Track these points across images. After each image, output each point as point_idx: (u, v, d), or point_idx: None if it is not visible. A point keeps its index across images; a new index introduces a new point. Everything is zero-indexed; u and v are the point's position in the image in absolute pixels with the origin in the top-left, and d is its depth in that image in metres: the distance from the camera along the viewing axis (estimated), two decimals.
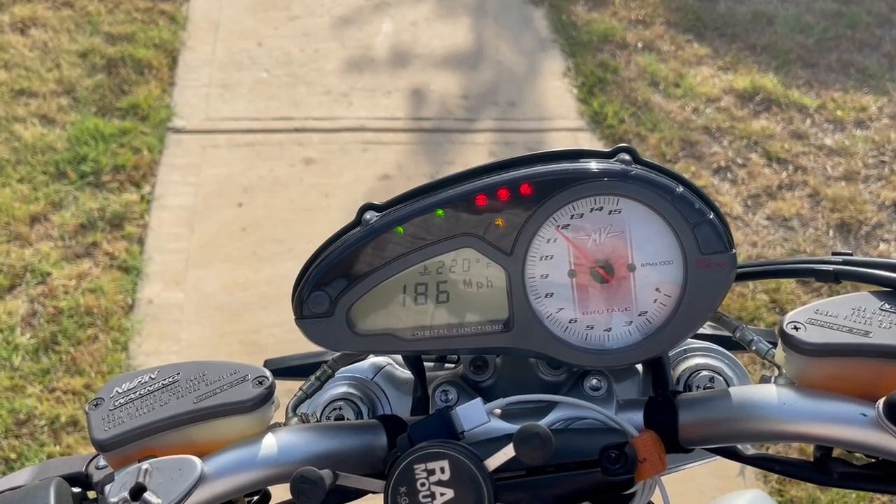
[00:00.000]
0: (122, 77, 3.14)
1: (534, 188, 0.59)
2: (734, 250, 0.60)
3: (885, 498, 1.98)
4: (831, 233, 2.69)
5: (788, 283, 2.45)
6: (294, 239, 2.59)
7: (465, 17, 3.68)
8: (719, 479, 1.95)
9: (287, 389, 0.72)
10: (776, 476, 1.99)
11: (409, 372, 0.72)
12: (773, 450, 1.96)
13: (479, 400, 0.58)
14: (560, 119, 3.14)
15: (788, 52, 3.45)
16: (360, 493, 0.60)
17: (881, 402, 0.53)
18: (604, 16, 3.65)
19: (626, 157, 0.61)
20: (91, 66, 3.18)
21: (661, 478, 0.63)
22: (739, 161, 2.95)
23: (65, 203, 2.62)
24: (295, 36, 3.51)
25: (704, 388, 0.69)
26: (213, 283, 2.45)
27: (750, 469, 1.98)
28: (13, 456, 1.95)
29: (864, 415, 0.54)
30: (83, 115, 2.94)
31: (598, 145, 2.95)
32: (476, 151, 2.94)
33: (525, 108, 3.19)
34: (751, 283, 2.44)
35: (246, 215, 2.68)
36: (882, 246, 2.65)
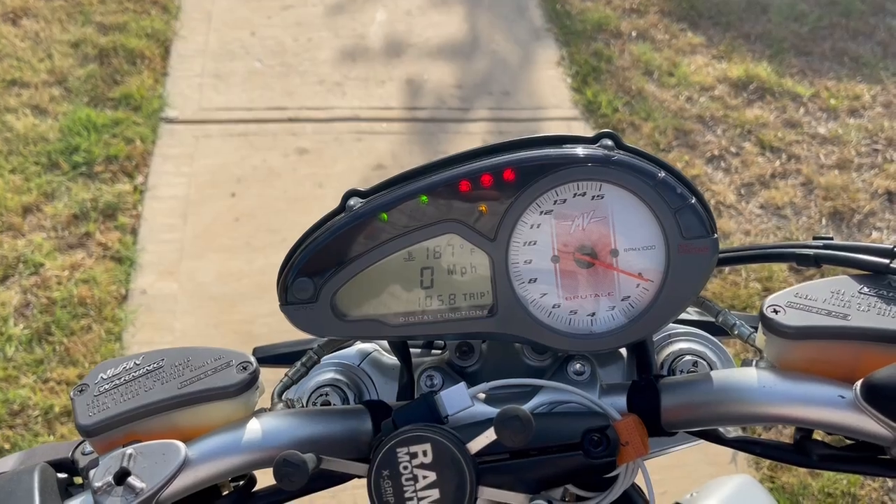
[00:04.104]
0: (114, 67, 3.12)
1: (517, 174, 0.59)
2: (716, 235, 0.60)
3: (877, 483, 1.99)
4: (824, 221, 2.69)
5: (781, 271, 2.46)
6: (288, 229, 2.59)
7: (460, 7, 3.67)
8: (711, 466, 1.96)
9: (278, 378, 0.73)
10: (768, 462, 2.00)
11: (395, 358, 0.72)
12: (769, 434, 1.97)
13: (462, 384, 0.59)
14: (554, 108, 3.14)
15: (782, 41, 3.44)
16: (345, 478, 0.61)
17: (858, 383, 0.53)
18: (598, 4, 3.64)
19: (609, 142, 0.61)
20: (83, 56, 3.16)
21: (645, 461, 0.63)
22: (733, 150, 2.95)
23: (57, 194, 2.61)
24: (288, 25, 3.50)
25: (688, 373, 0.69)
26: (206, 274, 2.45)
27: (742, 455, 2.00)
28: (7, 446, 1.96)
29: (842, 397, 0.54)
30: (75, 105, 2.93)
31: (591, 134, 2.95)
32: (470, 141, 2.94)
33: (519, 97, 3.18)
34: (743, 272, 2.45)
35: (239, 205, 2.68)
36: (875, 234, 2.66)
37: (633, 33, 3.48)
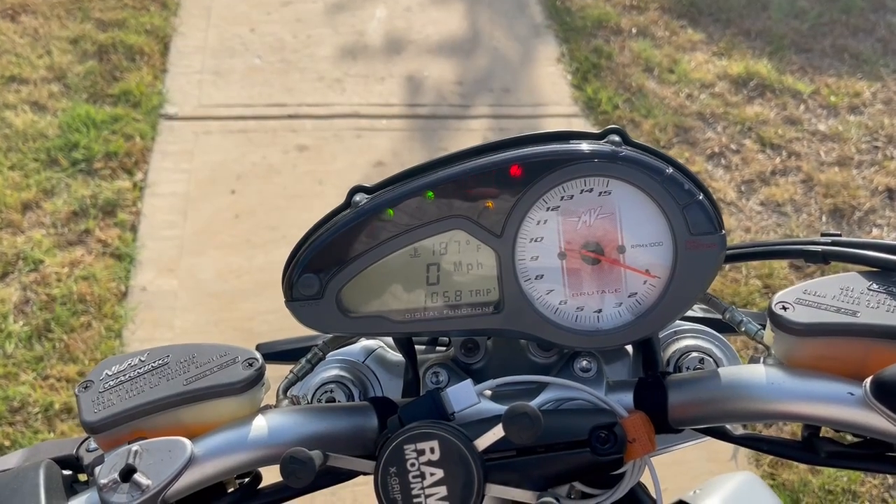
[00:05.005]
0: (113, 63, 3.11)
1: (523, 170, 0.59)
2: (723, 231, 0.60)
3: (877, 480, 1.99)
4: (824, 218, 2.69)
5: (781, 269, 2.46)
6: (287, 226, 2.58)
7: (460, 3, 3.66)
8: (712, 463, 1.96)
9: (281, 375, 0.72)
10: (768, 459, 2.00)
11: (400, 355, 0.72)
12: (770, 432, 1.97)
13: (468, 381, 0.59)
14: (554, 105, 3.14)
15: (783, 38, 3.44)
16: (352, 475, 0.60)
17: (868, 380, 0.53)
18: (598, 1, 3.63)
19: (616, 138, 0.61)
20: (82, 52, 3.15)
21: (652, 458, 0.63)
22: (733, 147, 2.95)
23: (57, 190, 2.61)
24: (287, 22, 3.49)
25: (694, 370, 0.69)
26: (206, 271, 2.44)
27: (743, 452, 2.00)
28: (7, 443, 1.95)
29: (852, 393, 0.54)
30: (74, 101, 2.92)
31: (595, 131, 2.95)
32: (470, 138, 2.93)
33: (519, 94, 3.18)
34: (744, 269, 2.45)
35: (239, 202, 2.67)
36: (875, 231, 2.66)
37: (633, 30, 3.47)
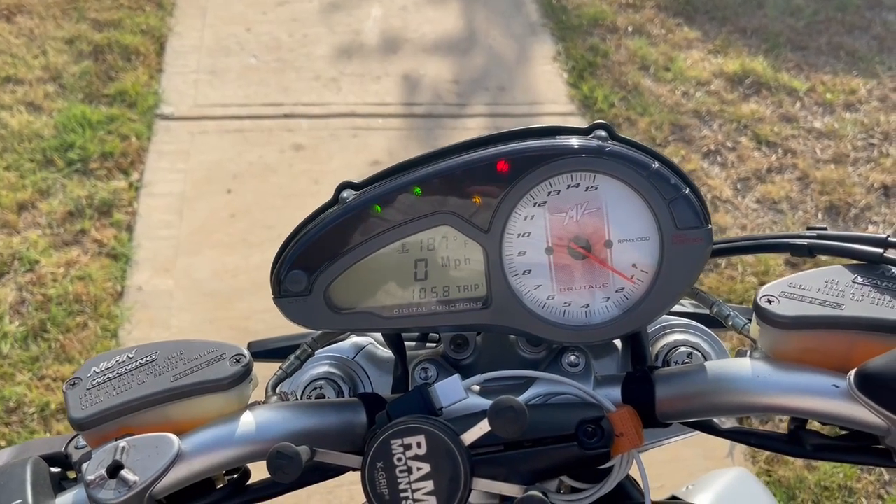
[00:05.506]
0: (109, 63, 3.11)
1: (510, 165, 0.59)
2: (710, 225, 0.60)
3: (873, 476, 2.00)
4: (820, 215, 2.70)
5: (777, 266, 2.46)
6: (284, 225, 2.58)
7: (455, 2, 3.66)
8: (708, 461, 1.96)
9: (272, 373, 0.72)
10: (764, 456, 2.01)
11: (389, 351, 0.72)
12: (769, 427, 1.96)
13: (456, 376, 0.59)
14: (550, 103, 3.14)
15: (778, 35, 3.44)
16: (340, 471, 0.60)
17: (852, 373, 0.53)
18: None
19: (603, 133, 0.61)
20: (78, 52, 3.15)
21: (640, 453, 0.63)
22: (729, 144, 2.95)
23: (52, 190, 2.61)
24: (283, 21, 3.49)
25: (682, 364, 0.69)
26: (202, 270, 2.44)
27: (739, 449, 2.00)
28: (3, 443, 1.95)
29: (836, 386, 0.54)
30: (70, 102, 2.92)
31: None
32: (466, 136, 2.92)
33: (515, 92, 3.18)
34: (739, 266, 2.45)
35: (235, 202, 2.67)
36: (871, 228, 2.67)
37: (630, 28, 3.47)
